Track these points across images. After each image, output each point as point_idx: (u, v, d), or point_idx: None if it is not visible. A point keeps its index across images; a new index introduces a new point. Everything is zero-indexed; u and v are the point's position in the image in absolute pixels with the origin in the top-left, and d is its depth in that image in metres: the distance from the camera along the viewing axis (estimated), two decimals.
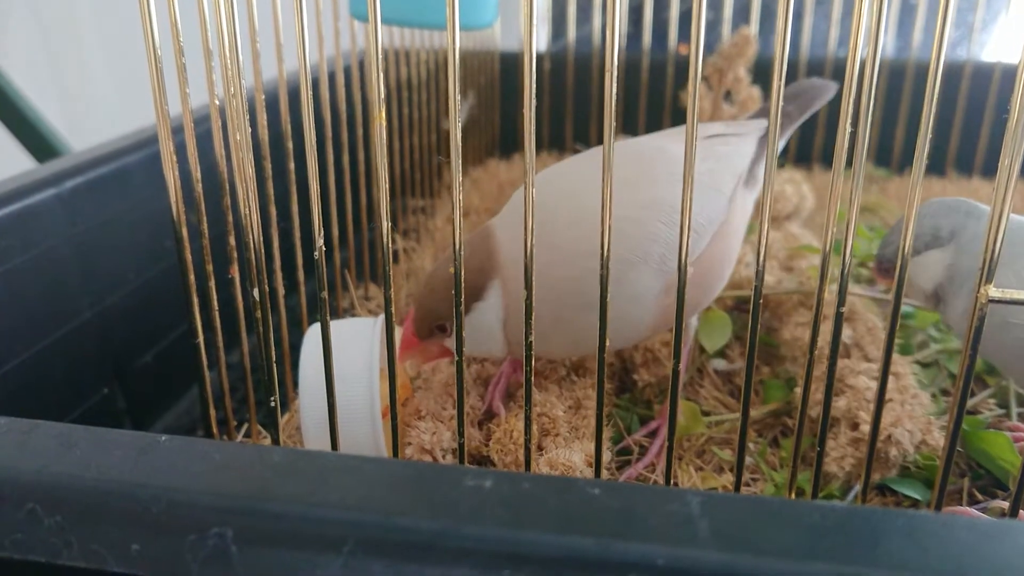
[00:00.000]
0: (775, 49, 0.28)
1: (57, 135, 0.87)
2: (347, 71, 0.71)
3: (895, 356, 0.46)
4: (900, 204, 0.81)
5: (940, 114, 0.90)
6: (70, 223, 0.51)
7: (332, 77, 0.60)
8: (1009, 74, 0.86)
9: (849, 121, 0.29)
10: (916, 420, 0.41)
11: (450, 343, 0.43)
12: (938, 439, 0.42)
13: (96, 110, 1.16)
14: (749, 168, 0.48)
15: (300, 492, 0.24)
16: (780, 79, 0.29)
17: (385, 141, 0.31)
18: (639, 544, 0.22)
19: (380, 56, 0.30)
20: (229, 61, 0.33)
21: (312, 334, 0.42)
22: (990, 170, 0.89)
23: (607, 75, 0.28)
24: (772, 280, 0.56)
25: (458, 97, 0.30)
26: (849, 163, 0.30)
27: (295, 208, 0.50)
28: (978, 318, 0.30)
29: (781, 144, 0.53)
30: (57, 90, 1.14)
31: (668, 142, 0.47)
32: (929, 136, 0.29)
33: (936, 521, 0.22)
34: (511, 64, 0.95)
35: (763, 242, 0.30)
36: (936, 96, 0.28)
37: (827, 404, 0.32)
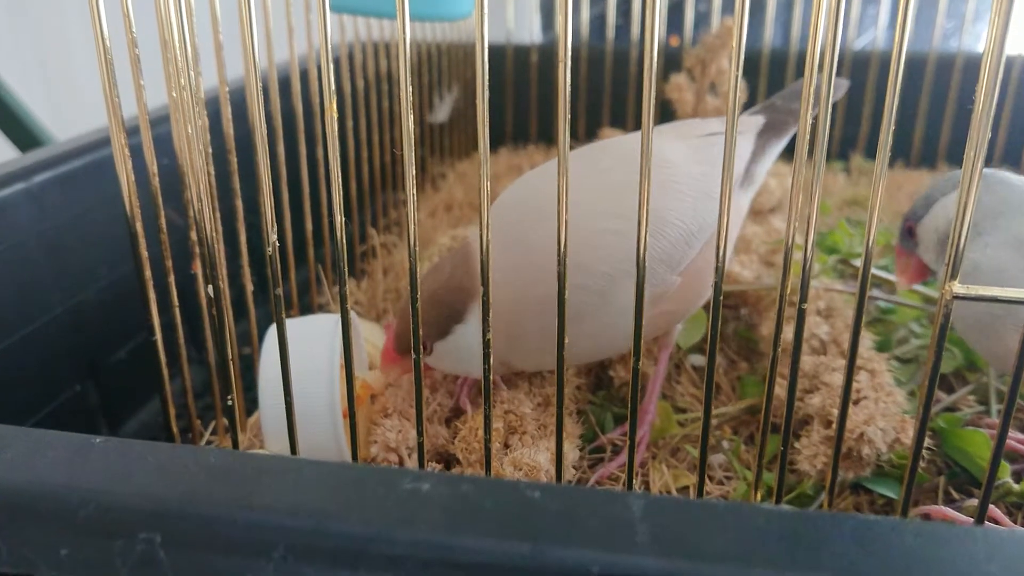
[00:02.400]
0: (732, 39, 0.27)
1: (41, 126, 0.86)
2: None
3: (871, 353, 0.46)
4: (890, 197, 0.80)
5: (931, 106, 0.89)
6: (39, 218, 0.50)
7: (305, 71, 0.59)
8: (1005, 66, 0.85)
9: (810, 112, 0.28)
10: (890, 418, 0.40)
11: (430, 360, 0.43)
12: (911, 439, 0.41)
13: (82, 100, 1.15)
14: (746, 168, 0.47)
15: (232, 495, 0.23)
16: (738, 68, 0.28)
17: (336, 133, 0.30)
18: (575, 550, 0.21)
19: (329, 46, 0.30)
20: (178, 51, 0.33)
21: (273, 332, 0.41)
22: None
23: (560, 78, 0.28)
24: (751, 275, 0.56)
25: (410, 91, 0.29)
26: (811, 152, 0.29)
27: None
28: (943, 315, 0.29)
29: (784, 143, 0.52)
30: (42, 80, 1.13)
31: (663, 142, 0.45)
32: (893, 127, 0.29)
33: (884, 525, 0.22)
34: (498, 56, 0.95)
35: (722, 234, 0.30)
36: (899, 82, 0.28)
37: (790, 402, 0.31)
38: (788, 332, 0.49)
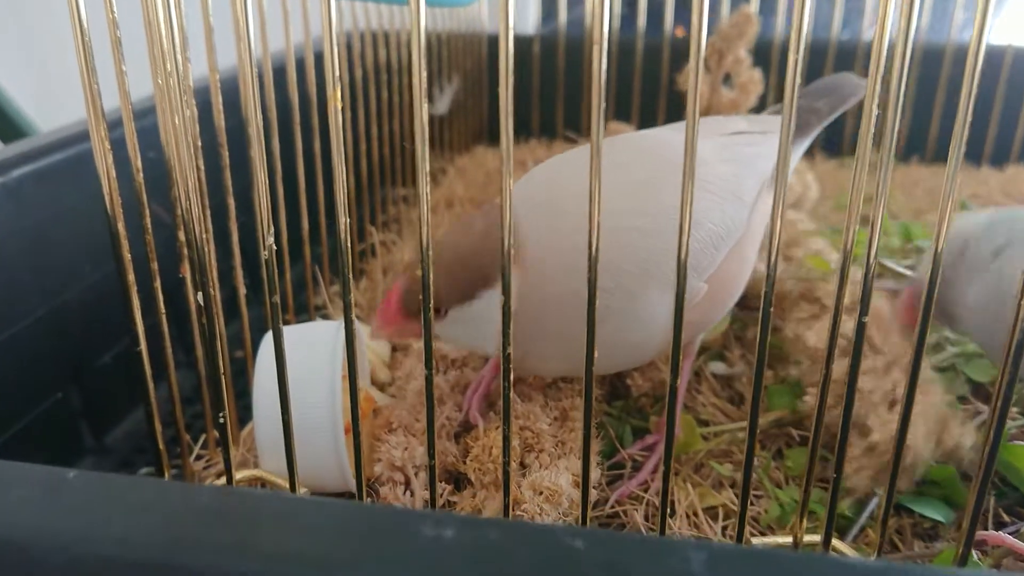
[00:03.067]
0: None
1: (26, 118, 0.83)
2: (320, 55, 0.67)
3: (904, 347, 0.42)
4: (904, 193, 0.77)
5: (946, 100, 0.86)
6: (18, 214, 0.47)
7: (301, 59, 0.56)
8: (1022, 58, 0.82)
9: (876, 104, 0.25)
10: (928, 419, 0.37)
11: (439, 328, 0.38)
12: (956, 437, 0.38)
13: (71, 91, 1.11)
14: (772, 169, 0.45)
15: (226, 543, 0.20)
16: (796, 67, 0.25)
17: (340, 125, 0.27)
18: None
19: (334, 32, 0.26)
20: (164, 34, 0.29)
21: (269, 340, 0.38)
22: (998, 159, 0.86)
23: (595, 65, 0.25)
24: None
25: (424, 84, 0.26)
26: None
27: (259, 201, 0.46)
28: (1021, 330, 0.26)
29: (808, 142, 0.49)
30: (31, 69, 1.09)
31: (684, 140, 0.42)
32: (966, 130, 0.26)
33: None
34: (499, 46, 0.91)
35: (775, 243, 0.27)
36: (975, 87, 0.25)
37: (844, 430, 0.28)
38: (812, 337, 0.47)
